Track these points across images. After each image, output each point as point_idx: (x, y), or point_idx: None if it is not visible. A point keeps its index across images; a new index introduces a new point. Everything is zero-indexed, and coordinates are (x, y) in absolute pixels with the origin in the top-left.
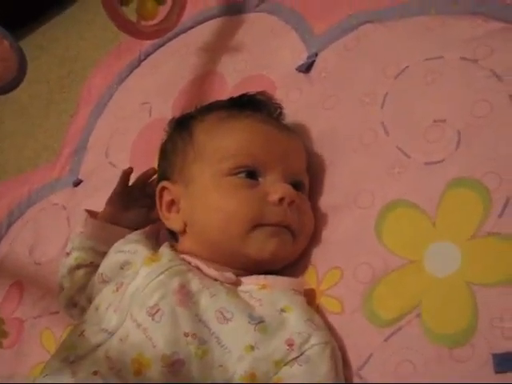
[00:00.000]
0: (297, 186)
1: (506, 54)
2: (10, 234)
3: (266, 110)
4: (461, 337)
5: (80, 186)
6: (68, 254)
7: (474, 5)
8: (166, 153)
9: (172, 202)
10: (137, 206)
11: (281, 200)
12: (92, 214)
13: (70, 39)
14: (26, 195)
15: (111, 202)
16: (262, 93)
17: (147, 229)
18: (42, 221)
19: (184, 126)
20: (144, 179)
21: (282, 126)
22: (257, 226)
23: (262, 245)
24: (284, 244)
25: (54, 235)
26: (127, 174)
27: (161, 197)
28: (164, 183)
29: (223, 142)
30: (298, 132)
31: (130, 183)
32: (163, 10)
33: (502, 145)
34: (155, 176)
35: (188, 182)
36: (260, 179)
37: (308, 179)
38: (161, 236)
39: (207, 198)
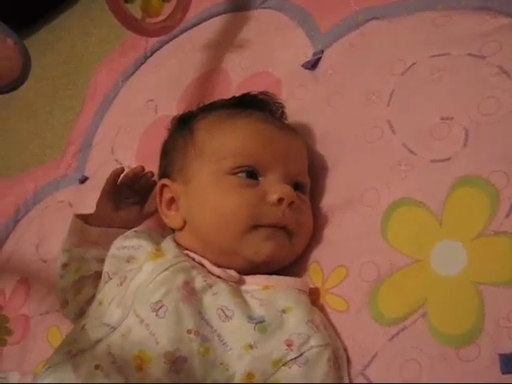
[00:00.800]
0: (297, 186)
1: None
2: (16, 231)
3: (268, 110)
4: (467, 336)
5: (86, 183)
6: (66, 265)
7: (482, 0)
8: (167, 150)
9: (172, 200)
10: (127, 204)
11: (280, 200)
12: (84, 219)
13: (75, 36)
14: (31, 192)
15: (102, 203)
16: (265, 92)
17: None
18: (48, 218)
19: (185, 124)
20: (131, 176)
21: (284, 125)
22: (254, 227)
23: (257, 247)
24: (280, 247)
25: (61, 232)
26: (117, 173)
27: (161, 194)
28: (164, 181)
29: (224, 141)
30: (302, 130)
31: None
32: (168, 7)
33: (511, 143)
34: (143, 172)
35: (188, 180)
36: (260, 179)
37: (309, 180)
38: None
39: (206, 197)
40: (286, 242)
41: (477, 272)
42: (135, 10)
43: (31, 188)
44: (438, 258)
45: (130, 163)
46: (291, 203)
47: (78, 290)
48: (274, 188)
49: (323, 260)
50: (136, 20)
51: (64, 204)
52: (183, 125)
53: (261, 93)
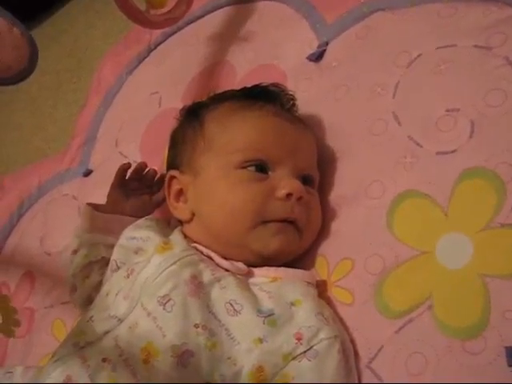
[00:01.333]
0: (307, 180)
1: None
2: (20, 225)
3: (278, 102)
4: (473, 329)
5: (90, 176)
6: (76, 251)
7: None
8: (176, 142)
9: (180, 192)
10: (136, 194)
11: (288, 195)
12: (95, 207)
13: (78, 29)
14: (35, 186)
15: (111, 194)
16: (275, 84)
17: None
18: (52, 211)
19: (195, 115)
20: (138, 172)
21: (295, 118)
22: (262, 222)
23: (266, 241)
24: (289, 241)
25: (65, 225)
26: (124, 169)
27: (169, 186)
28: (173, 172)
29: (234, 134)
30: (308, 122)
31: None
32: None
33: None
34: (148, 169)
35: (196, 172)
36: (270, 173)
37: (318, 173)
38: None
39: (215, 190)
40: (295, 236)
41: (483, 264)
42: (139, 2)
43: (35, 182)
44: (443, 251)
45: (134, 156)
46: (300, 198)
47: (86, 274)
48: (284, 183)
49: (329, 253)
50: (141, 12)
51: (68, 197)
52: (193, 116)
53: (272, 84)
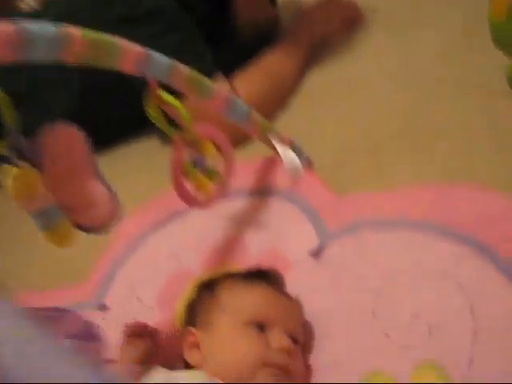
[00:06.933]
0: (294, 340)
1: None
2: None
3: (272, 280)
4: None
5: (106, 311)
6: None
7: None
8: (193, 305)
9: (194, 343)
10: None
11: (283, 348)
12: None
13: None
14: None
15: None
16: (271, 268)
17: None
18: None
19: (209, 287)
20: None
21: (285, 293)
22: (263, 365)
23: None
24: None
25: None
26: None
27: (186, 338)
28: (190, 328)
29: (242, 301)
30: (306, 306)
31: None
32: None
33: None
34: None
35: (209, 329)
36: (267, 332)
37: (303, 336)
38: None
39: (225, 343)
40: (286, 380)
41: None
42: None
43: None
44: None
45: (151, 303)
46: (290, 352)
47: None
48: (279, 338)
49: None
50: (192, 196)
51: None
52: (207, 287)
53: (267, 268)
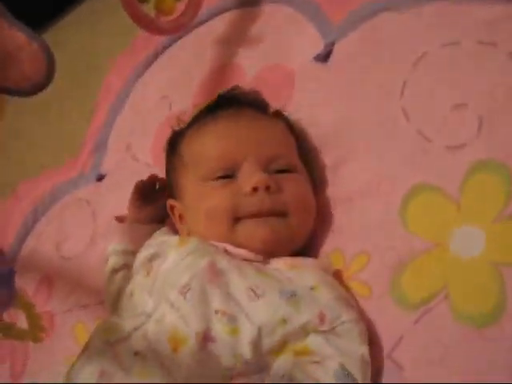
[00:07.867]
0: (280, 169)
1: None
2: (35, 230)
3: (235, 105)
4: (489, 316)
5: (103, 181)
6: (107, 261)
7: None
8: (167, 172)
9: (181, 216)
10: (154, 202)
11: (255, 189)
12: (120, 219)
13: (85, 36)
14: (49, 191)
15: (131, 209)
16: (234, 87)
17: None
18: (66, 216)
19: (172, 145)
20: (150, 185)
21: (256, 115)
22: (237, 219)
23: (249, 235)
24: (273, 229)
25: (80, 230)
26: (139, 187)
27: (173, 214)
28: (171, 201)
29: (197, 151)
30: (316, 121)
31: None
32: (180, 5)
33: None
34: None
35: (182, 196)
36: (237, 174)
37: (296, 158)
38: None
39: (195, 206)
40: (279, 224)
41: (496, 254)
42: (148, 9)
43: (48, 188)
44: (456, 242)
45: (146, 159)
46: (267, 188)
47: (112, 280)
48: (246, 179)
49: (344, 247)
50: (150, 19)
51: (82, 202)
52: (171, 145)
53: (231, 88)
